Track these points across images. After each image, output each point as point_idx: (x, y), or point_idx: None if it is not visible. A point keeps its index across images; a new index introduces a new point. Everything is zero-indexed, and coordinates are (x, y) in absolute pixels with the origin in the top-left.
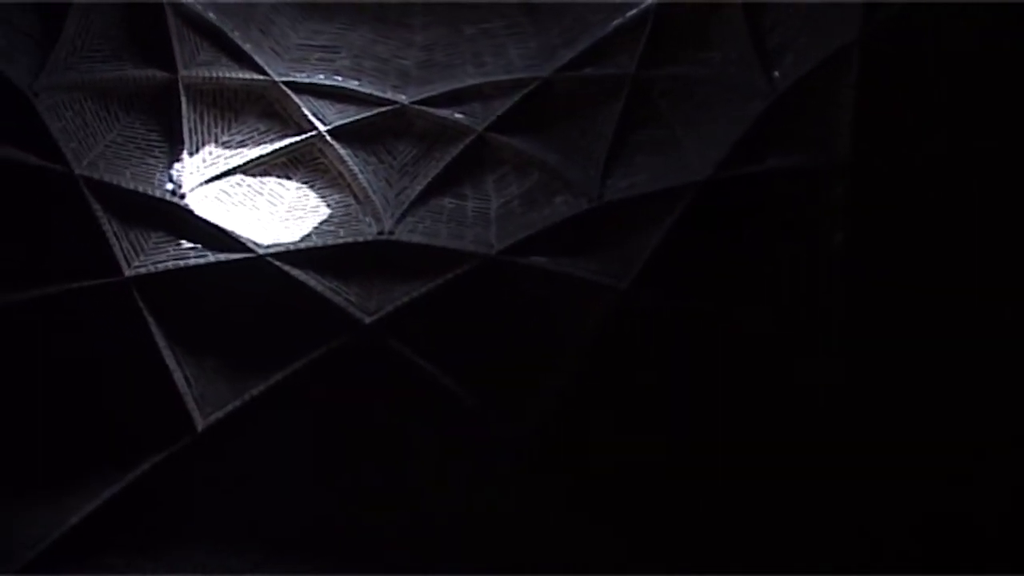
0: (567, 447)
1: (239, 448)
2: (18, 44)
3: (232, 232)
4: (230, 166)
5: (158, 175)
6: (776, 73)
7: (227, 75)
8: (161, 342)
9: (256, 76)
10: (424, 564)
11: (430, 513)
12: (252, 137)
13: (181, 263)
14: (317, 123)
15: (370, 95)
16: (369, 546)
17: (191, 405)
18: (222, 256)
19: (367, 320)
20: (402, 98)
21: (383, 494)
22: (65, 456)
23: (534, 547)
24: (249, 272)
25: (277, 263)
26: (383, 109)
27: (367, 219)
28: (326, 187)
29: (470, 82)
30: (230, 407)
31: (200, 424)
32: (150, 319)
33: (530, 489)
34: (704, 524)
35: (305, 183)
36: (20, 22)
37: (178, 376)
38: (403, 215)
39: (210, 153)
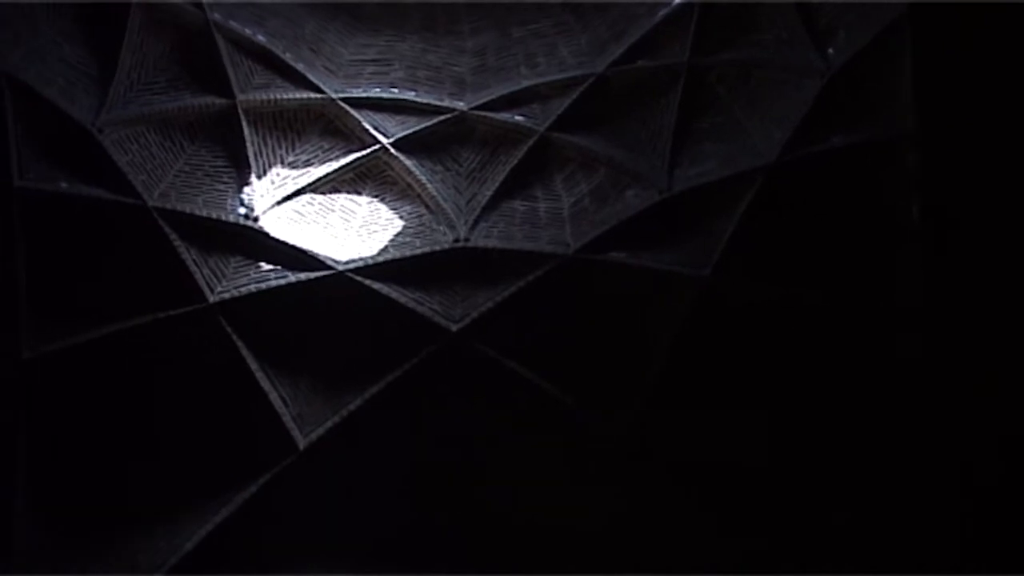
0: (664, 441)
1: (340, 462)
2: (77, 83)
3: (309, 251)
4: (299, 186)
5: (229, 200)
6: (830, 50)
7: (284, 96)
8: (253, 365)
9: (313, 95)
10: (528, 566)
11: (530, 514)
12: (317, 155)
13: (263, 285)
14: (379, 136)
15: (428, 104)
16: (471, 550)
17: (290, 425)
18: (302, 275)
19: (454, 328)
20: (460, 105)
21: (483, 498)
22: (176, 482)
23: (637, 546)
24: (331, 289)
25: (358, 278)
26: (443, 117)
27: (441, 228)
28: (396, 199)
29: (525, 83)
30: (329, 423)
31: (301, 443)
32: (239, 343)
33: (629, 486)
34: (811, 518)
35: (375, 197)
36: (77, 61)
37: (274, 397)
38: (476, 221)
39: (277, 174)
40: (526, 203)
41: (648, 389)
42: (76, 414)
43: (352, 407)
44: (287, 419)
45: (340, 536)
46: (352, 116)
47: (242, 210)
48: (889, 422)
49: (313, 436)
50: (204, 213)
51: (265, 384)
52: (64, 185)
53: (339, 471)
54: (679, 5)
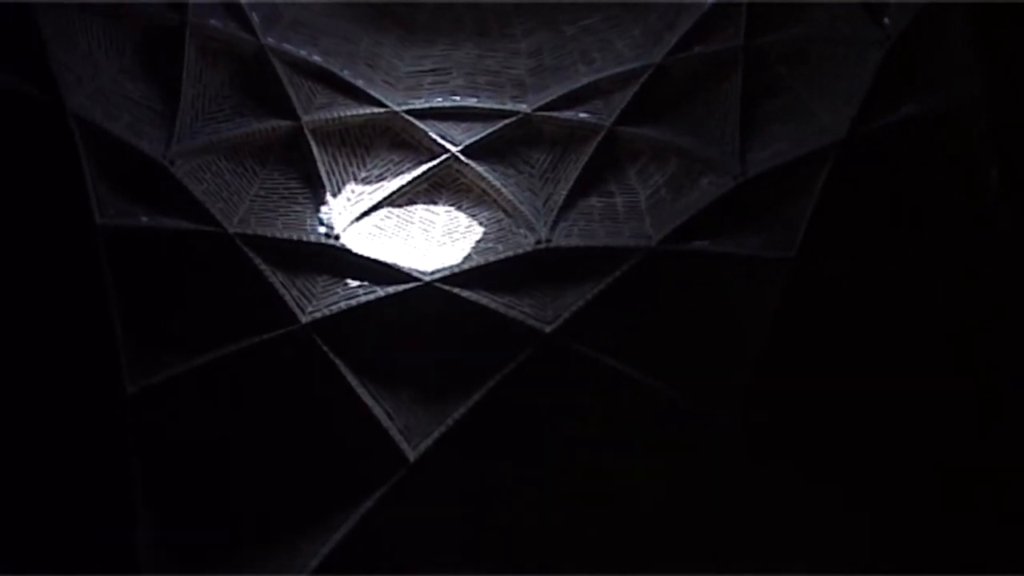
0: (773, 427)
1: (450, 471)
2: (143, 118)
3: (394, 264)
4: (375, 200)
5: (308, 220)
6: (885, 20)
7: (348, 113)
8: (353, 381)
9: (376, 109)
10: (643, 564)
11: (643, 510)
12: (388, 169)
13: (353, 302)
14: (448, 145)
15: (492, 109)
16: (584, 549)
17: (398, 438)
18: (390, 289)
19: (547, 329)
20: (523, 107)
21: (593, 496)
22: (290, 503)
23: (754, 536)
24: (420, 300)
25: (446, 287)
26: (508, 121)
27: (521, 230)
28: (473, 206)
29: (585, 80)
30: (436, 434)
31: (411, 455)
32: (337, 361)
33: (741, 475)
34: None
35: (452, 205)
36: (140, 96)
37: (378, 411)
38: (556, 221)
39: (352, 191)
40: (602, 199)
41: (750, 375)
42: (185, 441)
43: (457, 416)
44: (394, 432)
45: (456, 541)
46: (418, 127)
47: (322, 229)
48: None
49: (422, 447)
50: (285, 235)
51: (367, 399)
52: (144, 219)
53: (449, 479)
54: None
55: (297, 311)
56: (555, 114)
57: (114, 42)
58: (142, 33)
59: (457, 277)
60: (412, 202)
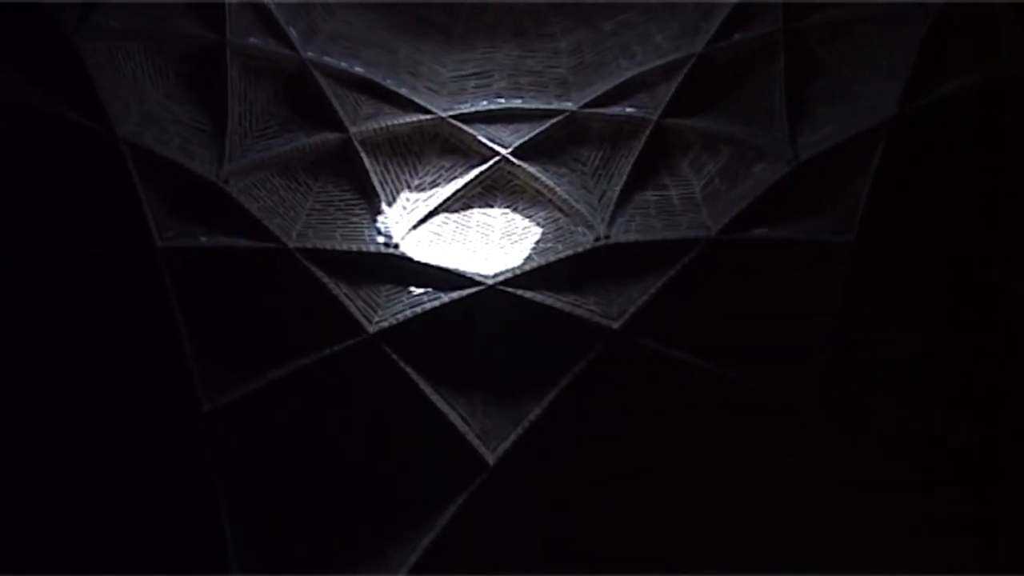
0: (852, 409)
1: (530, 472)
2: (193, 139)
3: (456, 269)
4: (431, 207)
5: (366, 231)
6: None
7: (395, 122)
8: (426, 388)
9: (423, 116)
10: (724, 556)
11: (726, 502)
12: (441, 175)
13: (418, 309)
14: (498, 148)
15: (538, 109)
16: (667, 546)
17: (475, 442)
18: (454, 294)
19: (615, 325)
20: (569, 105)
21: (676, 488)
22: (378, 511)
23: (840, 521)
24: (484, 304)
25: (509, 289)
26: (555, 120)
27: (579, 228)
28: (529, 206)
29: (628, 75)
30: (513, 436)
31: (490, 458)
32: (408, 369)
33: (821, 460)
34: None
35: (508, 207)
36: (188, 118)
37: (454, 417)
38: (613, 217)
39: (407, 199)
40: (657, 193)
41: (822, 359)
42: (264, 455)
43: (532, 417)
44: (471, 437)
45: (539, 542)
46: (466, 132)
47: (380, 239)
48: None
49: (500, 451)
50: (345, 247)
51: (442, 406)
52: (204, 239)
53: (529, 481)
54: None
55: (364, 321)
56: (601, 110)
57: (156, 67)
58: (183, 56)
59: (520, 279)
60: (468, 206)
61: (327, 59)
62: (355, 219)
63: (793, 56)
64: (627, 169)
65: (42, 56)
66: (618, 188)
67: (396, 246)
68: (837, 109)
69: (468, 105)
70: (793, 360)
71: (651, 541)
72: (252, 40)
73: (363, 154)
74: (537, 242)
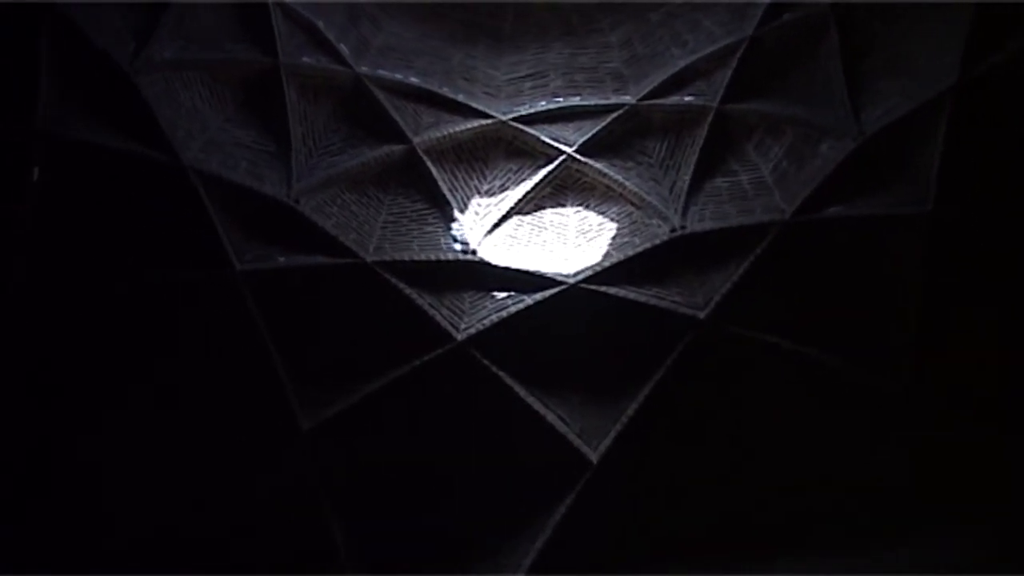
0: (944, 386)
1: (633, 467)
2: (259, 161)
3: (536, 271)
4: (503, 211)
5: (442, 239)
6: None
7: (456, 129)
8: (521, 391)
9: (484, 121)
10: (829, 540)
11: (823, 486)
12: (509, 178)
13: (504, 313)
14: (562, 147)
15: (597, 105)
16: (771, 533)
17: (576, 442)
18: (537, 296)
19: (701, 315)
20: (627, 99)
21: (770, 477)
22: (485, 517)
23: (942, 501)
24: (568, 303)
25: (592, 287)
26: (616, 115)
27: (654, 221)
28: (601, 203)
29: (682, 63)
30: (613, 433)
31: (593, 456)
32: (500, 373)
33: (919, 438)
34: None
35: (580, 205)
36: (251, 141)
37: (552, 418)
38: (685, 207)
39: (479, 204)
40: (727, 179)
41: (912, 335)
42: (367, 467)
43: (630, 412)
44: (571, 437)
45: (648, 536)
46: (529, 133)
47: (457, 246)
48: None
49: (602, 448)
50: (423, 257)
51: (539, 407)
52: (282, 259)
53: (633, 476)
54: None
55: (451, 329)
56: (660, 101)
57: (214, 93)
58: (239, 81)
59: (600, 276)
60: (540, 207)
61: (381, 72)
62: (429, 228)
63: (846, 32)
64: (694, 158)
65: (102, 94)
66: (687, 177)
67: (474, 252)
68: (897, 81)
69: (527, 106)
70: (883, 338)
71: (758, 529)
72: (305, 59)
73: (429, 163)
74: (613, 237)
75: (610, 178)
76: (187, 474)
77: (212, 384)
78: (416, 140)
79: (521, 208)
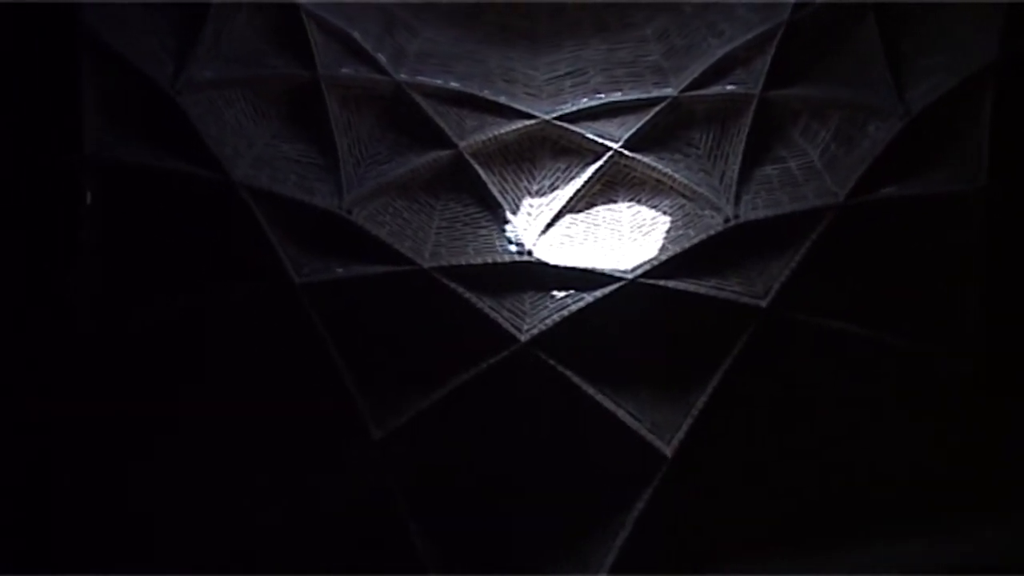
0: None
1: (708, 458)
2: (308, 175)
3: (594, 268)
4: (555, 210)
5: (497, 242)
6: None
7: (501, 131)
8: (589, 389)
9: (527, 122)
10: (907, 521)
11: (898, 468)
12: (558, 177)
13: (565, 312)
14: (608, 143)
15: (639, 99)
16: (855, 516)
17: (649, 436)
18: (597, 293)
19: (763, 304)
20: (669, 91)
21: (850, 460)
22: (565, 516)
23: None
24: (629, 299)
25: (651, 281)
26: (659, 108)
27: (707, 212)
28: (652, 196)
29: (721, 53)
30: (685, 426)
31: (667, 451)
32: (567, 372)
33: (993, 417)
34: None
35: (632, 200)
36: (298, 155)
37: (622, 415)
38: (737, 196)
39: (530, 205)
40: (776, 166)
41: (978, 312)
42: (442, 472)
43: (700, 404)
44: (644, 432)
45: (731, 528)
46: (573, 131)
47: (513, 248)
48: None
49: (675, 442)
50: (479, 260)
51: (608, 404)
52: (340, 271)
53: (708, 467)
54: None
55: (514, 331)
56: (702, 92)
57: (258, 109)
58: (281, 95)
59: (658, 269)
60: (591, 205)
61: (421, 79)
62: (483, 231)
63: (883, 11)
64: (741, 147)
65: (147, 116)
66: (736, 167)
67: (529, 253)
68: (938, 58)
69: (569, 105)
70: (949, 316)
71: (835, 515)
72: (344, 70)
73: (477, 166)
74: (668, 231)
75: (659, 171)
76: (260, 490)
77: (279, 399)
78: (462, 144)
79: (573, 206)
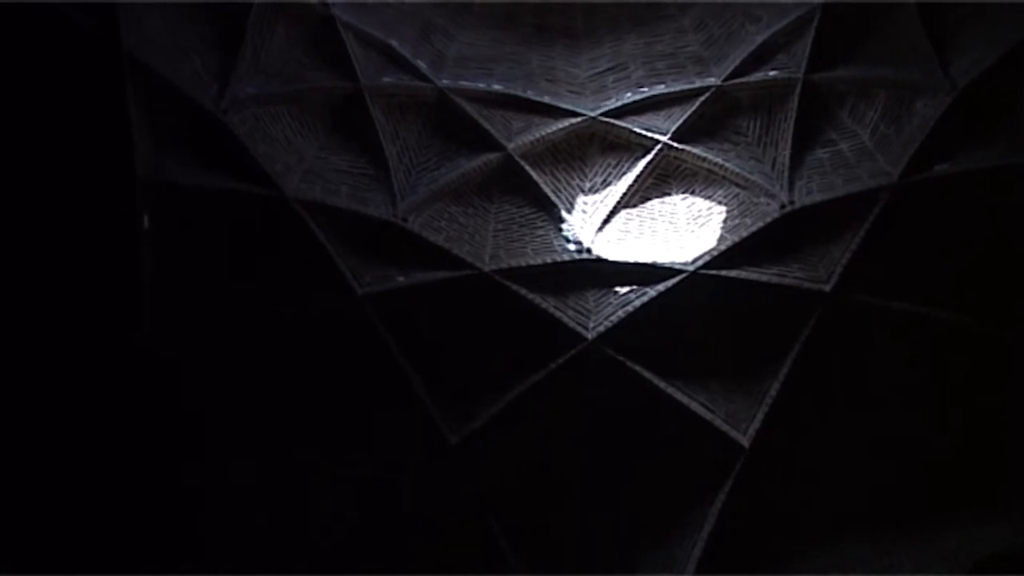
0: None
1: (784, 447)
2: (360, 185)
3: (655, 262)
4: (610, 206)
5: (555, 241)
6: None
7: (548, 131)
8: (660, 383)
9: (574, 120)
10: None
11: (974, 451)
12: (609, 173)
13: (629, 308)
14: (656, 136)
15: (683, 91)
16: (941, 498)
17: (724, 427)
18: (659, 287)
19: (827, 288)
20: (712, 80)
21: (920, 445)
22: (649, 511)
23: None
24: (691, 291)
25: (712, 272)
26: (703, 98)
27: (762, 199)
28: (705, 187)
29: (760, 39)
30: (760, 415)
31: (744, 441)
32: (636, 367)
33: None
34: None
35: (685, 192)
36: (349, 166)
37: (695, 407)
38: (791, 182)
39: (584, 203)
40: (827, 149)
41: None
42: (523, 472)
43: (773, 392)
44: (718, 423)
45: (813, 513)
46: (620, 127)
47: (571, 246)
48: None
49: (751, 432)
50: (539, 261)
51: (681, 397)
52: (401, 279)
53: (786, 456)
54: None
55: (580, 329)
56: (745, 79)
57: (303, 123)
58: (326, 108)
59: (718, 260)
60: (646, 199)
61: (463, 83)
62: (540, 231)
63: None
64: (789, 132)
65: (195, 137)
66: (787, 152)
67: (588, 250)
68: (980, 32)
69: (614, 100)
70: (1014, 290)
71: (913, 500)
72: (386, 79)
73: (527, 167)
74: (724, 220)
75: (710, 161)
76: (340, 497)
77: (352, 411)
78: (511, 146)
79: (627, 201)
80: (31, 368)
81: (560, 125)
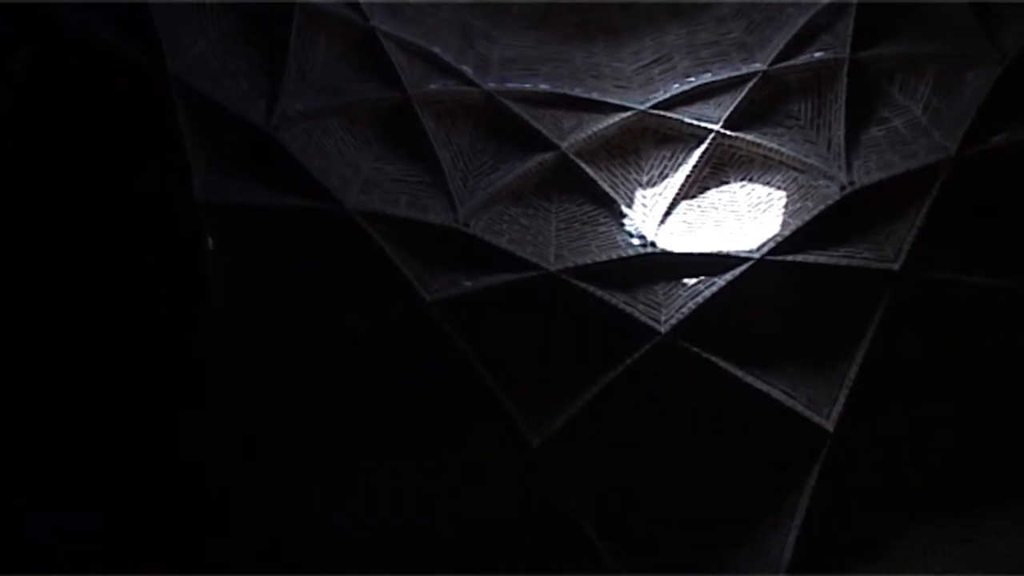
0: None
1: (870, 430)
2: (419, 193)
3: (720, 251)
4: (669, 198)
5: (618, 237)
6: None
7: (600, 127)
8: (738, 373)
9: (624, 115)
10: None
11: None
12: (665, 165)
13: (699, 299)
14: (708, 125)
15: (730, 78)
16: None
17: (807, 413)
18: (727, 276)
19: (896, 267)
20: (758, 66)
21: (1007, 419)
22: (741, 505)
23: None
24: (759, 278)
25: (779, 258)
26: (751, 84)
27: (821, 182)
28: (763, 173)
29: (802, 20)
30: (842, 398)
31: (828, 425)
32: (712, 357)
33: None
34: None
35: (743, 179)
36: (404, 175)
37: (776, 394)
38: (848, 162)
39: (643, 196)
40: (881, 127)
41: None
42: (608, 470)
43: (852, 374)
44: (800, 409)
45: (905, 495)
46: (672, 118)
47: (635, 241)
48: None
49: (834, 415)
50: (604, 257)
51: (761, 385)
52: (468, 284)
53: (872, 439)
54: None
55: (652, 323)
56: (792, 63)
57: (355, 135)
58: (376, 119)
59: (784, 245)
60: (704, 189)
61: (509, 85)
62: (603, 228)
63: None
64: (842, 112)
65: (249, 155)
66: (841, 132)
67: (653, 244)
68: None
69: (661, 92)
70: None
71: (1001, 480)
72: (432, 86)
73: (583, 165)
74: (785, 205)
75: (765, 147)
76: (428, 504)
77: (430, 418)
78: (564, 145)
79: (686, 192)
80: (106, 393)
81: (611, 120)
